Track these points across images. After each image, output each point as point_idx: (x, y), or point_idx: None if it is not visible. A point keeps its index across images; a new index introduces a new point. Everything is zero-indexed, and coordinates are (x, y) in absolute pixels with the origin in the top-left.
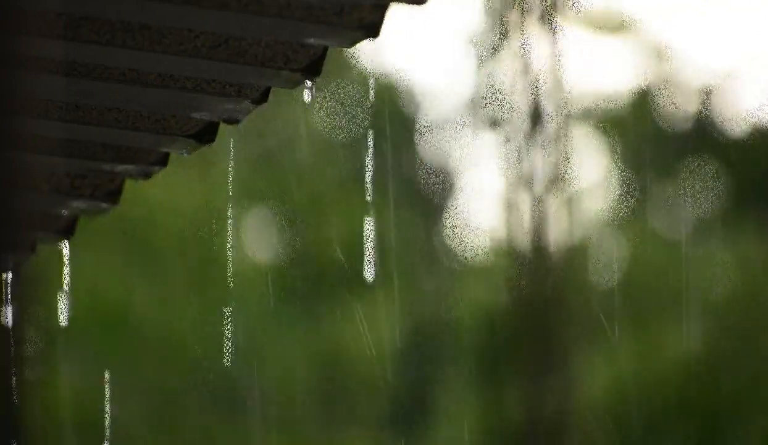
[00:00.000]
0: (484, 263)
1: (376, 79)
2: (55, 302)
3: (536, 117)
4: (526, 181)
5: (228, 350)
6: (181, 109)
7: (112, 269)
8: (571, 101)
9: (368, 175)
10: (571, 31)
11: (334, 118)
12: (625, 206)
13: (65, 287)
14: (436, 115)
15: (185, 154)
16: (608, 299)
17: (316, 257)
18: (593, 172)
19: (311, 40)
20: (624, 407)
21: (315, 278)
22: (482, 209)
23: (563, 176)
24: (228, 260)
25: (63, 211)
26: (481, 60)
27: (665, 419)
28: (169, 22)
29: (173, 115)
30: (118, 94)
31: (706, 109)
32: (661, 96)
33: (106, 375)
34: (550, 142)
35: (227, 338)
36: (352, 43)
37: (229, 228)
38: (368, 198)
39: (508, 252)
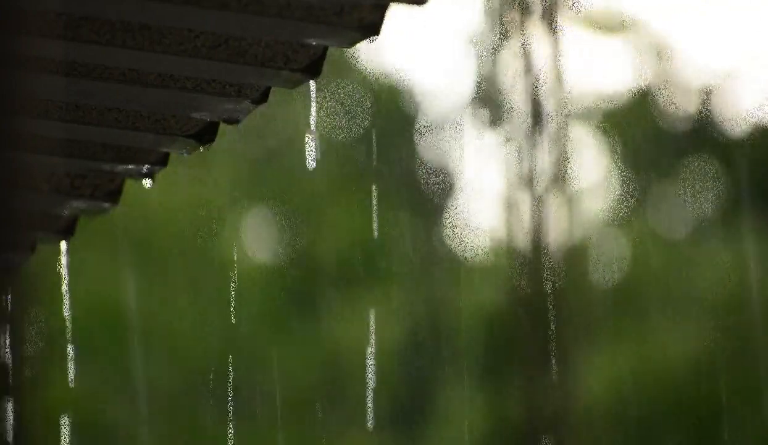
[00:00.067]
0: (484, 263)
1: (376, 79)
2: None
3: (536, 117)
4: (526, 181)
5: (228, 350)
6: (181, 109)
7: (112, 269)
8: (571, 101)
9: (368, 176)
10: (571, 31)
11: (334, 118)
12: (625, 206)
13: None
14: (436, 115)
15: (185, 154)
16: (608, 299)
17: (316, 257)
18: (593, 172)
19: (311, 40)
20: (624, 406)
21: (315, 278)
22: (482, 209)
23: (563, 176)
24: (228, 259)
25: (63, 211)
26: (481, 60)
27: (665, 419)
28: (169, 22)
29: (173, 115)
30: (118, 94)
31: (706, 109)
32: (661, 96)
33: (106, 375)
34: (550, 142)
35: (227, 338)
36: (352, 43)
37: (229, 228)
38: (368, 198)
39: (508, 252)
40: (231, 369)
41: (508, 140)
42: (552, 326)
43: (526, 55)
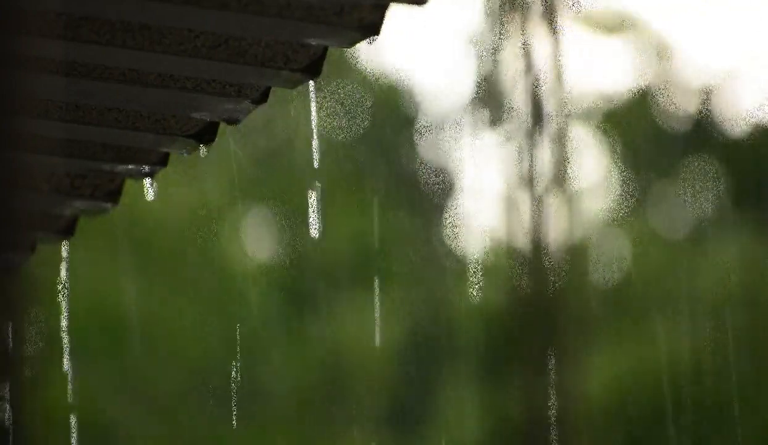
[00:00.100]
0: (484, 263)
1: (376, 79)
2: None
3: (536, 117)
4: (526, 181)
5: (228, 350)
6: (181, 109)
7: (112, 269)
8: (571, 101)
9: (368, 176)
10: (571, 31)
11: (334, 118)
12: (625, 206)
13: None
14: (436, 115)
15: (185, 154)
16: (608, 299)
17: (316, 257)
18: (593, 172)
19: (311, 40)
20: (624, 406)
21: (315, 278)
22: (482, 209)
23: (563, 176)
24: (227, 259)
25: (63, 211)
26: (481, 60)
27: (665, 419)
28: (169, 22)
29: (173, 115)
30: (118, 94)
31: (706, 109)
32: (661, 96)
33: (106, 375)
34: (550, 142)
35: (227, 338)
36: (352, 43)
37: (229, 228)
38: (368, 198)
39: (508, 252)
40: (231, 369)
41: (508, 140)
42: (552, 326)
43: (526, 55)
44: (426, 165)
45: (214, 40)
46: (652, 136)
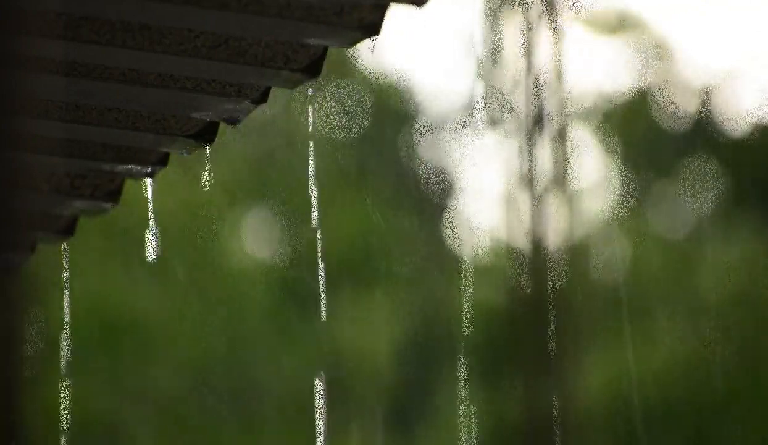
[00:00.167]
0: (484, 263)
1: (376, 79)
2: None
3: (536, 117)
4: (526, 181)
5: (228, 350)
6: (181, 109)
7: (111, 269)
8: (571, 101)
9: (368, 176)
10: (571, 31)
11: (334, 118)
12: (625, 206)
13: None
14: (436, 115)
15: (185, 154)
16: (608, 299)
17: (316, 257)
18: (593, 172)
19: (311, 40)
20: (624, 406)
21: (314, 278)
22: (482, 209)
23: (563, 176)
24: (228, 259)
25: (63, 211)
26: (481, 60)
27: (665, 419)
28: (169, 22)
29: (173, 115)
30: (118, 94)
31: (706, 109)
32: (661, 96)
33: (106, 375)
34: (550, 142)
35: (227, 338)
36: (352, 43)
37: (229, 228)
38: (368, 198)
39: (508, 252)
40: (231, 369)
41: (508, 140)
42: (552, 326)
43: (526, 55)
44: (426, 165)
45: (214, 40)
46: (652, 136)
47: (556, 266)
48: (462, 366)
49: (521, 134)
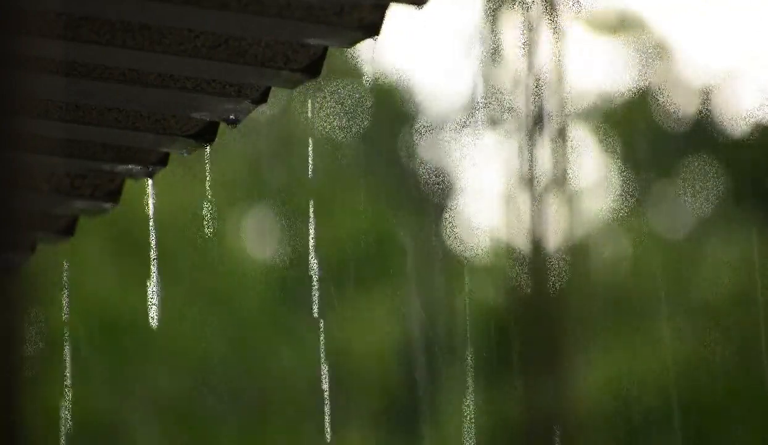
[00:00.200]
0: (484, 263)
1: (376, 79)
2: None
3: (536, 117)
4: (526, 181)
5: (228, 350)
6: (181, 109)
7: (111, 269)
8: (571, 101)
9: (368, 176)
10: (571, 31)
11: (334, 118)
12: (625, 206)
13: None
14: (436, 115)
15: (185, 154)
16: (608, 299)
17: (317, 258)
18: (593, 172)
19: (311, 40)
20: (623, 406)
21: (315, 278)
22: (482, 209)
23: (563, 176)
24: (228, 259)
25: (63, 211)
26: (481, 60)
27: (665, 419)
28: (169, 22)
29: (173, 115)
30: (118, 94)
31: (706, 109)
32: (661, 96)
33: (106, 375)
34: (550, 141)
35: (227, 338)
36: (352, 43)
37: (229, 228)
38: (367, 198)
39: (508, 252)
40: (231, 369)
41: (508, 140)
42: (552, 326)
43: (527, 55)
44: (426, 165)
45: (214, 40)
46: (652, 136)
47: (556, 265)
48: (462, 366)
49: (521, 134)
